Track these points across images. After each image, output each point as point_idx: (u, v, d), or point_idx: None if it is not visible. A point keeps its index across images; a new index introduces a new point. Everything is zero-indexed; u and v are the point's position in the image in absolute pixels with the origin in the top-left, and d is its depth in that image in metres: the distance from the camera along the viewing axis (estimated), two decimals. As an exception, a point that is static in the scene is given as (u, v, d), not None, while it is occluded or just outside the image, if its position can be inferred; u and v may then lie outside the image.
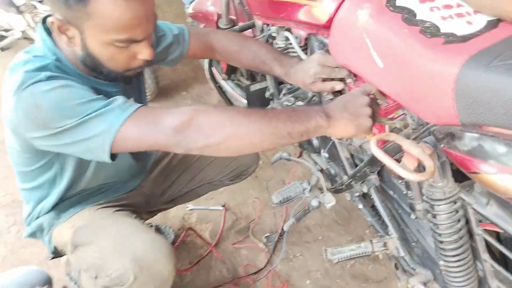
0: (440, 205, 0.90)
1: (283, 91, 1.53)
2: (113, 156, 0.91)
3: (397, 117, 1.06)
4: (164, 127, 0.85)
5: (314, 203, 1.52)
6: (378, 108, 0.96)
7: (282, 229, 1.73)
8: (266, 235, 1.78)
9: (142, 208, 1.36)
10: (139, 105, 0.90)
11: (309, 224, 1.87)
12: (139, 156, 1.20)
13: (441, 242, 0.93)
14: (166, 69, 2.91)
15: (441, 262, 0.97)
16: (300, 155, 1.68)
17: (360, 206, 1.34)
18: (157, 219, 1.76)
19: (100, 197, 1.24)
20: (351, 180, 1.32)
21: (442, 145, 0.81)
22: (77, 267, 1.10)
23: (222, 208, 1.92)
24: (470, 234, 0.92)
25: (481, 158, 0.73)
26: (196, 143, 0.84)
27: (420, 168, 0.82)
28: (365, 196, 1.33)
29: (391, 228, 1.20)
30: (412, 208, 1.05)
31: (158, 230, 1.74)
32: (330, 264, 1.69)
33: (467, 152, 0.76)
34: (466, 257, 0.93)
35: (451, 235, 0.91)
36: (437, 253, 0.98)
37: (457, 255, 0.93)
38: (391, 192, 1.20)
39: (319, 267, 1.68)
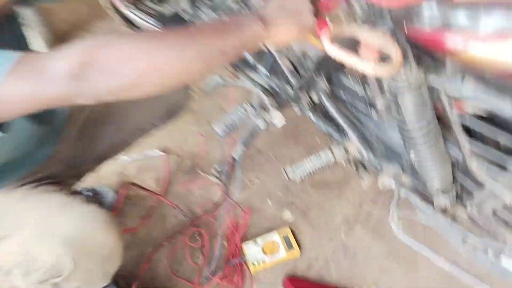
0: (405, 97, 0.79)
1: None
2: (3, 127, 0.68)
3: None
4: (54, 75, 0.62)
5: (261, 124, 1.39)
6: (318, 1, 0.80)
7: (233, 158, 1.60)
8: (216, 167, 1.65)
9: (66, 175, 1.15)
10: (17, 54, 0.65)
11: (259, 147, 1.76)
12: (41, 118, 0.95)
13: (411, 137, 0.85)
14: (60, 10, 2.46)
15: (412, 155, 0.90)
16: (235, 77, 1.50)
17: (312, 116, 1.23)
18: (91, 180, 1.54)
19: (9, 176, 1.00)
20: (298, 91, 1.19)
21: (402, 30, 0.69)
22: (4, 267, 0.91)
23: (163, 153, 1.74)
24: (439, 119, 0.84)
25: (451, 31, 0.62)
26: (103, 87, 0.63)
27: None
28: (314, 106, 1.22)
29: (349, 132, 1.11)
30: (372, 107, 0.94)
31: (95, 194, 1.54)
32: (289, 181, 1.63)
33: (436, 29, 0.64)
34: (439, 144, 0.86)
35: (421, 128, 0.83)
36: (406, 146, 0.90)
37: (429, 146, 0.86)
38: (343, 95, 1.09)
39: (278, 186, 1.62)
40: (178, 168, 1.72)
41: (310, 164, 1.15)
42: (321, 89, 1.12)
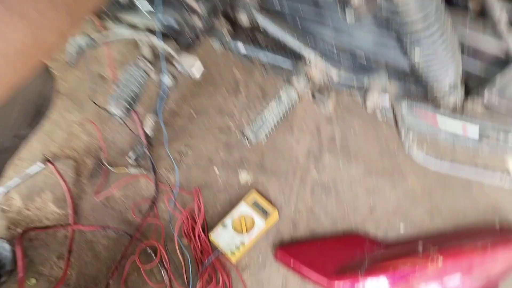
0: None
1: None
2: None
3: None
4: None
5: (167, 80, 1.02)
6: None
7: (147, 135, 1.21)
8: (130, 155, 1.25)
9: None
10: None
11: (174, 109, 1.38)
12: None
13: (414, 31, 0.57)
14: None
15: (417, 56, 0.64)
16: (105, 29, 1.05)
17: (242, 49, 0.89)
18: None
19: None
20: (210, 18, 0.82)
21: None
22: None
23: (48, 163, 1.26)
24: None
25: None
26: None
27: None
28: (243, 33, 0.87)
29: (306, 51, 0.80)
30: (343, 6, 0.64)
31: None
32: (227, 137, 1.31)
33: None
34: (449, 29, 0.61)
35: (426, 16, 0.55)
36: (406, 45, 0.63)
37: (440, 35, 0.60)
38: (278, 5, 0.76)
39: (217, 146, 1.29)
40: (78, 175, 1.28)
41: (271, 114, 0.84)
42: (247, 4, 0.77)
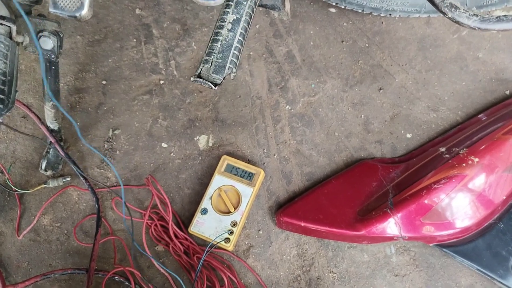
0: None
1: None
2: None
3: None
4: None
5: (46, 42, 0.69)
6: None
7: (51, 131, 0.87)
8: (41, 165, 0.90)
9: None
10: None
11: (76, 84, 1.01)
12: None
13: None
14: None
15: None
16: None
17: None
18: None
19: None
20: None
21: None
22: None
23: None
24: None
25: None
26: None
27: None
28: None
29: None
30: None
31: None
32: (160, 97, 0.99)
33: None
34: None
35: None
36: None
37: None
38: None
39: (152, 113, 0.97)
40: (-16, 214, 0.92)
41: (228, 33, 0.54)
42: None
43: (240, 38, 0.55)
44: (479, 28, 0.55)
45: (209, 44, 0.55)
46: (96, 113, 0.98)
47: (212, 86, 0.55)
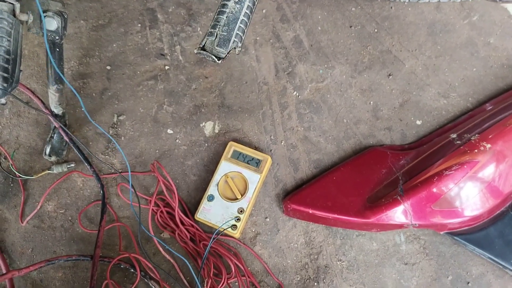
0: None
1: None
2: None
3: None
4: None
5: (51, 23, 0.67)
6: None
7: (55, 115, 0.86)
8: (45, 151, 0.89)
9: None
10: None
11: (80, 70, 0.99)
12: None
13: None
14: None
15: None
16: None
17: None
18: None
19: None
20: None
21: None
22: None
23: None
24: None
25: None
26: None
27: None
28: None
29: None
30: None
31: None
32: (165, 82, 0.97)
33: None
34: None
35: None
36: None
37: None
38: None
39: (157, 99, 0.96)
40: (-12, 200, 0.91)
41: (233, 7, 0.52)
42: None
43: (247, 11, 0.53)
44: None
45: (215, 16, 0.53)
46: (100, 99, 0.96)
47: (216, 59, 0.53)
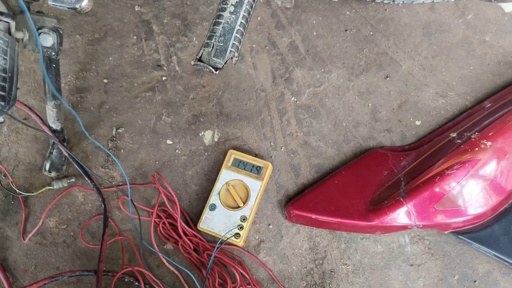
0: None
1: None
2: None
3: None
4: None
5: (46, 39, 0.67)
6: None
7: (54, 131, 0.86)
8: (45, 166, 0.89)
9: None
10: None
11: (77, 84, 0.99)
12: None
13: None
14: None
15: None
16: None
17: None
18: None
19: None
20: None
21: None
22: None
23: None
24: None
25: None
26: None
27: None
28: None
29: None
30: None
31: None
32: (163, 93, 0.97)
33: None
34: None
35: None
36: None
37: None
38: None
39: (156, 110, 0.96)
40: (-11, 219, 0.90)
41: (228, 19, 0.53)
42: None
43: (242, 21, 0.53)
44: None
45: (211, 27, 0.53)
46: (98, 112, 0.96)
47: (213, 70, 0.53)
